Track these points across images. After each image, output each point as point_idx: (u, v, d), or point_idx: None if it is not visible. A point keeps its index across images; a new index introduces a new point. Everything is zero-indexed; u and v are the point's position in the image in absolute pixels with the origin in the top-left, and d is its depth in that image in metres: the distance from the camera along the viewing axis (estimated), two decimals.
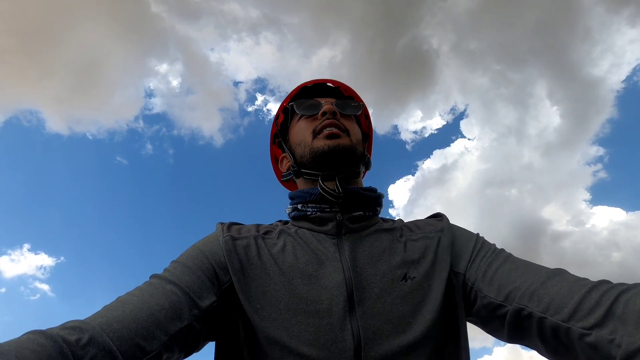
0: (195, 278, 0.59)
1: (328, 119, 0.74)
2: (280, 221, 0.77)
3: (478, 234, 0.71)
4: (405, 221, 0.77)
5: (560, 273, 0.55)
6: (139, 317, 0.51)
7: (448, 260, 0.65)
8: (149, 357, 0.50)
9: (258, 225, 0.73)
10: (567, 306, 0.50)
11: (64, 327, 0.46)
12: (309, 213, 0.71)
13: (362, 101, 0.88)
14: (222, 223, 0.71)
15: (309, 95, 0.83)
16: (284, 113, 0.86)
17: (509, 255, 0.64)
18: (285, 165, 0.84)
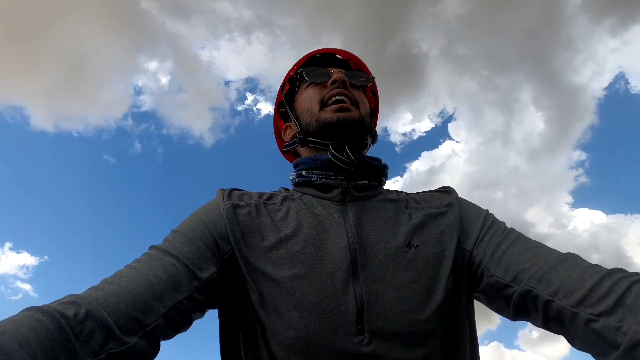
0: (195, 249, 0.58)
1: (337, 87, 0.72)
2: (283, 188, 0.75)
3: (487, 210, 0.70)
4: (408, 193, 0.76)
5: (572, 258, 0.55)
6: (136, 290, 0.50)
7: (455, 236, 0.64)
8: (147, 330, 0.49)
9: (260, 193, 0.70)
10: (577, 292, 0.50)
11: (60, 302, 0.45)
12: (314, 179, 0.70)
13: (371, 74, 0.86)
14: (222, 189, 0.69)
15: (318, 65, 0.81)
16: (290, 83, 0.84)
17: (519, 235, 0.63)
18: (289, 134, 0.82)
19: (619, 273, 0.50)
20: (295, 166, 0.76)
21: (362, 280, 0.57)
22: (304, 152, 0.78)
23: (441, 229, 0.65)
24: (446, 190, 0.75)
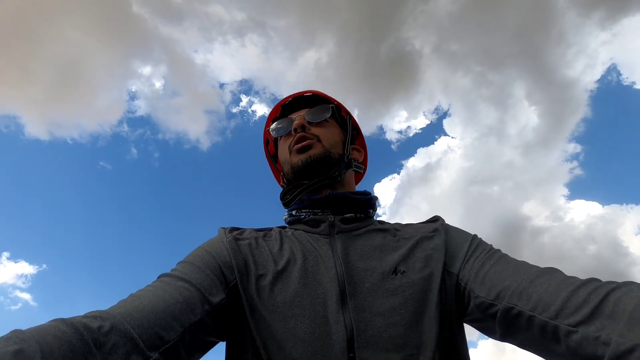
0: (204, 276, 0.61)
1: (298, 133, 0.80)
2: (278, 227, 0.81)
3: (475, 235, 0.72)
4: (399, 223, 0.80)
5: (550, 272, 0.56)
6: (156, 308, 0.52)
7: (441, 260, 0.66)
8: (167, 347, 0.51)
9: (257, 229, 0.77)
10: (554, 304, 0.51)
11: (85, 315, 0.47)
12: (303, 217, 0.76)
13: (335, 102, 0.91)
14: (223, 228, 0.75)
15: (287, 112, 0.89)
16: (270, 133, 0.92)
17: (503, 255, 0.65)
18: (281, 181, 0.91)
19: (594, 282, 0.51)
20: (285, 207, 0.83)
21: (351, 309, 0.60)
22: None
23: (427, 253, 0.68)
24: (434, 220, 0.78)
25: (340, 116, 0.90)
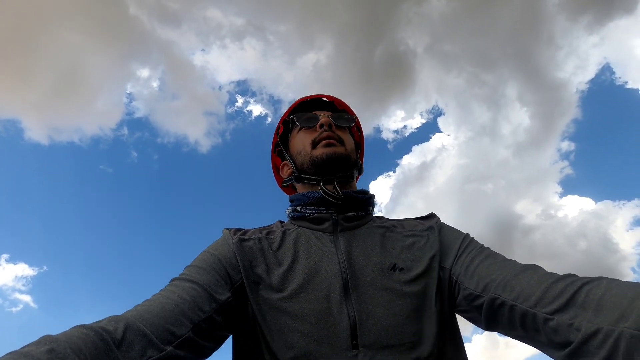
0: (210, 277, 0.65)
1: (325, 130, 0.83)
2: (280, 222, 0.84)
3: (468, 234, 0.77)
4: (396, 220, 0.84)
5: (533, 268, 0.61)
6: (166, 308, 0.57)
7: (437, 256, 0.71)
8: (180, 341, 0.55)
9: (260, 228, 0.80)
10: (534, 294, 0.56)
11: (101, 320, 0.52)
12: (307, 214, 0.79)
13: (354, 114, 0.97)
14: (228, 229, 0.78)
15: (307, 109, 0.92)
16: (284, 125, 0.95)
17: (492, 253, 0.70)
18: (286, 172, 0.93)
19: (571, 277, 0.56)
20: (290, 201, 0.85)
21: (353, 301, 0.65)
22: (299, 187, 0.88)
23: (423, 250, 0.72)
24: (428, 216, 0.84)
25: (355, 127, 0.97)
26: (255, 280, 0.69)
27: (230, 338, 0.71)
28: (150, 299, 0.60)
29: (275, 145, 0.98)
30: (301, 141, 0.86)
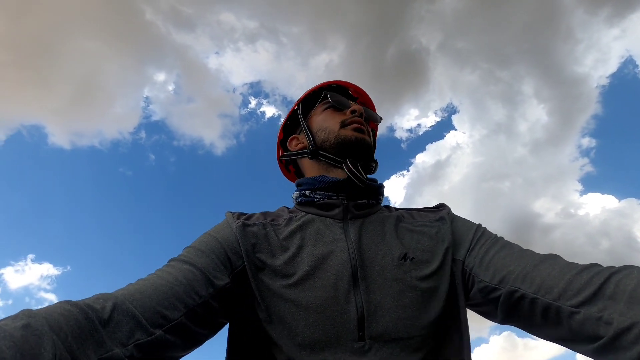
0: (209, 260, 0.62)
1: (357, 117, 0.81)
2: (285, 207, 0.80)
3: (480, 224, 0.74)
4: (406, 209, 0.81)
5: (553, 257, 0.58)
6: (159, 289, 0.54)
7: (448, 247, 0.68)
8: (172, 325, 0.52)
9: (265, 213, 0.76)
10: (557, 286, 0.52)
11: (89, 298, 0.49)
12: (317, 199, 0.74)
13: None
14: (231, 212, 0.74)
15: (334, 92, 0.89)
16: (307, 99, 0.90)
17: (507, 243, 0.66)
18: (295, 145, 0.87)
19: (596, 267, 0.52)
20: (298, 185, 0.80)
21: (362, 291, 0.62)
22: (308, 165, 0.83)
23: (434, 240, 0.69)
24: (439, 207, 0.80)
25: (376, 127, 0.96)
26: (258, 266, 0.65)
27: (226, 327, 0.68)
28: (144, 279, 0.57)
29: (292, 115, 0.92)
30: (329, 119, 0.82)
